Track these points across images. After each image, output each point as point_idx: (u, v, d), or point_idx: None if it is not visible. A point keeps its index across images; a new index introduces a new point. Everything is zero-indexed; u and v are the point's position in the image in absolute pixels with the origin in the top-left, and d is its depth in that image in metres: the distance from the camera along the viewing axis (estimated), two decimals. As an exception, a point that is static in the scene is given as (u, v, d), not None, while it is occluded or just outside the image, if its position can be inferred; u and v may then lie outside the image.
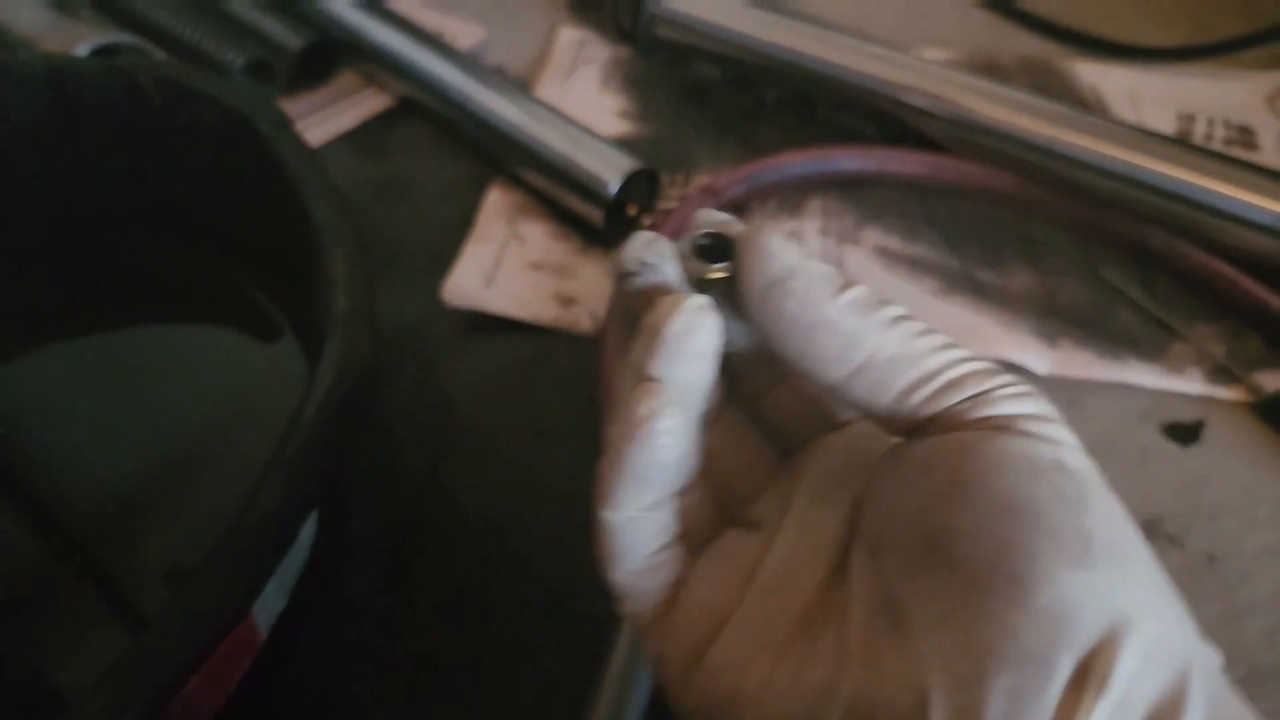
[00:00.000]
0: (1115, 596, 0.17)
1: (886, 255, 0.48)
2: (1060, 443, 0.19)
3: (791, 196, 0.51)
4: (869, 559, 0.21)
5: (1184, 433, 0.41)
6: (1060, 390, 0.42)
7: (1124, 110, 0.59)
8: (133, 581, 0.34)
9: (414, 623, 0.33)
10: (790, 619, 0.21)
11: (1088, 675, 0.17)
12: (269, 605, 0.29)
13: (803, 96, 0.56)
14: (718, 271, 0.22)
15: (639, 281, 0.22)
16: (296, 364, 0.39)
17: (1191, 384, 0.42)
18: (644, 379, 0.21)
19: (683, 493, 0.23)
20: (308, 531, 0.32)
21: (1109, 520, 0.18)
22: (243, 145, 0.37)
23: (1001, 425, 0.19)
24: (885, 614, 0.19)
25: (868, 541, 0.21)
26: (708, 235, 0.22)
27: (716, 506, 0.25)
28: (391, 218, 0.50)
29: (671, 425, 0.20)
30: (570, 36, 0.64)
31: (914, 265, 0.47)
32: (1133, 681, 0.17)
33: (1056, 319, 0.45)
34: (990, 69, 0.62)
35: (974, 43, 0.66)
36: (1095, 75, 0.62)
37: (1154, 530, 0.37)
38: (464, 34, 0.62)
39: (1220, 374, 0.43)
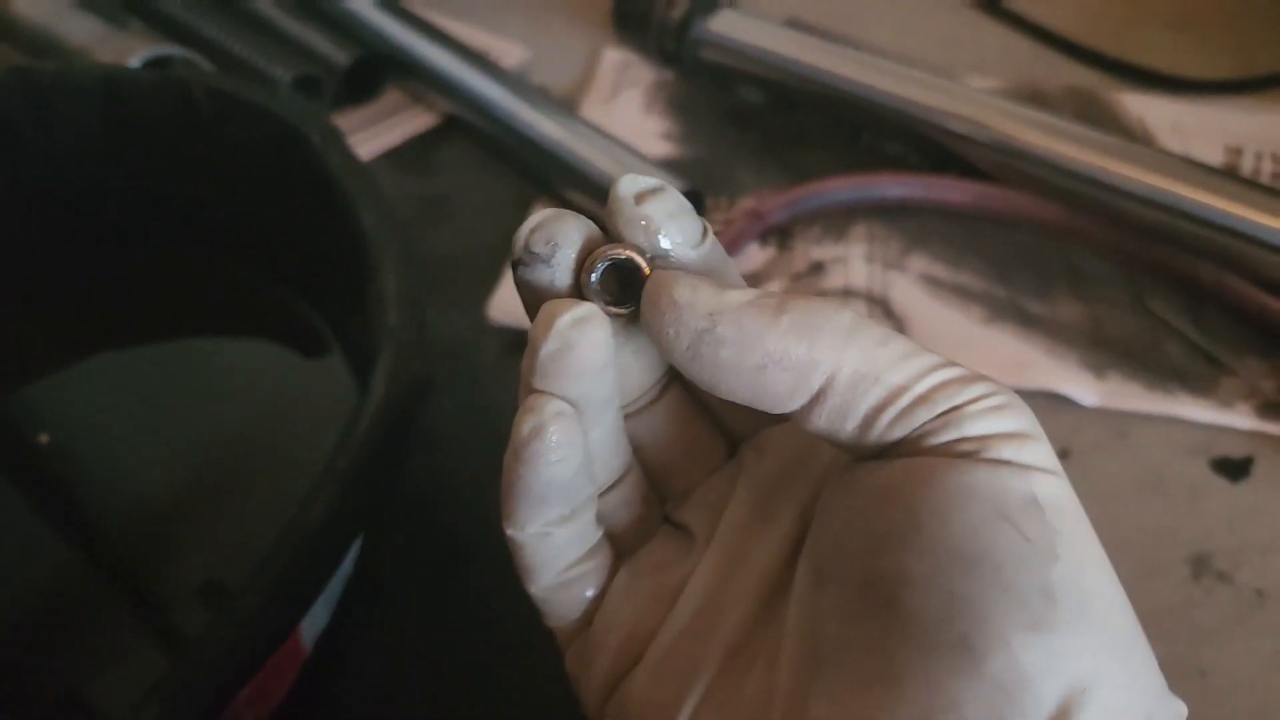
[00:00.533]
0: (1075, 662, 0.15)
1: (932, 283, 0.47)
2: (1038, 469, 0.17)
3: (836, 221, 0.51)
4: (812, 588, 0.18)
5: (1233, 468, 0.40)
6: (1108, 422, 0.42)
7: (1170, 142, 0.58)
8: (166, 596, 0.34)
9: (455, 640, 0.33)
10: (716, 655, 0.19)
11: None
12: (315, 620, 0.28)
13: (847, 121, 0.56)
14: (621, 311, 0.19)
15: (523, 275, 0.20)
16: (343, 380, 0.39)
17: (1241, 419, 0.42)
18: (529, 391, 0.19)
19: (606, 492, 0.22)
20: (352, 547, 0.32)
21: (1079, 570, 0.16)
22: (293, 157, 0.37)
23: (971, 450, 0.17)
24: (820, 658, 0.17)
25: (813, 567, 0.19)
26: (614, 263, 0.19)
27: (649, 501, 0.23)
28: (436, 235, 0.50)
29: (560, 440, 0.18)
30: (614, 58, 0.64)
31: (960, 293, 0.47)
32: None
33: (1104, 350, 0.44)
34: (1035, 98, 0.62)
35: (1018, 72, 0.66)
36: (1141, 106, 0.61)
37: (1203, 566, 0.36)
38: (509, 54, 0.62)
39: (1270, 410, 0.42)
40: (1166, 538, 0.37)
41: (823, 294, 0.47)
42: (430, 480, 0.38)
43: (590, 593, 0.21)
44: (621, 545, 0.22)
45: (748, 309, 0.17)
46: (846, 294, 0.47)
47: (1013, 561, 0.16)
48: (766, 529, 0.20)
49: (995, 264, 0.49)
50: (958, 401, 0.17)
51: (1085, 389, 0.42)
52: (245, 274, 0.43)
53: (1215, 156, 0.57)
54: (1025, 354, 0.44)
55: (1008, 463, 0.17)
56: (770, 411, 0.18)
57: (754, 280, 0.47)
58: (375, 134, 0.56)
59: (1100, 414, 0.42)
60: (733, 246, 0.47)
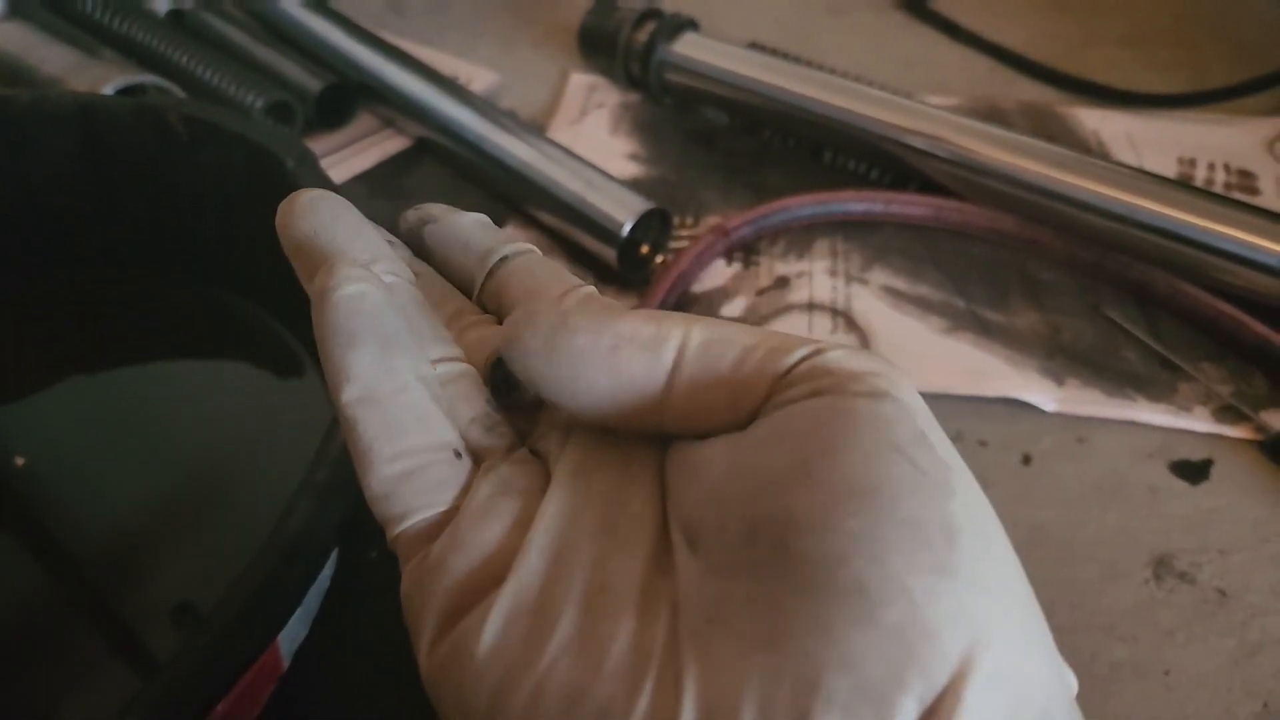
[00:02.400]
0: (977, 612, 0.14)
1: (894, 294, 0.48)
2: (917, 408, 0.16)
3: (800, 237, 0.52)
4: (684, 550, 0.17)
5: (1192, 470, 0.41)
6: (1068, 428, 0.43)
7: (1125, 154, 0.60)
8: (140, 619, 0.34)
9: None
10: (574, 598, 0.16)
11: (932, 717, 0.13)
12: (292, 634, 0.29)
13: (809, 140, 0.58)
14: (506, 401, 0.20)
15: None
16: (317, 401, 0.39)
17: (1199, 422, 0.43)
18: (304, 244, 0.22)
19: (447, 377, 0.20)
20: (328, 561, 0.32)
21: (975, 508, 0.15)
22: (268, 181, 0.37)
23: (850, 385, 0.16)
24: (696, 622, 0.15)
25: (680, 529, 0.17)
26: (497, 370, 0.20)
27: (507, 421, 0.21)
28: (408, 255, 0.50)
29: (351, 273, 0.19)
30: (581, 82, 0.65)
31: (921, 304, 0.48)
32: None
33: (1063, 357, 0.45)
34: (992, 114, 0.63)
35: (975, 90, 0.67)
36: (1096, 121, 0.63)
37: (1165, 567, 0.37)
38: (478, 78, 0.63)
39: (1227, 413, 0.43)
40: (1128, 540, 0.38)
41: (787, 307, 0.48)
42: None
43: (445, 496, 0.19)
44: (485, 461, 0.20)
45: (594, 300, 0.19)
46: (811, 307, 0.48)
47: (909, 493, 0.14)
48: (600, 472, 0.19)
49: (954, 276, 0.50)
50: (819, 347, 0.17)
51: (1045, 395, 0.43)
52: (220, 296, 0.43)
53: (1169, 168, 0.59)
54: (985, 362, 0.45)
55: (889, 395, 0.16)
56: (633, 403, 0.18)
57: (720, 296, 0.48)
58: (347, 158, 0.56)
59: (1060, 419, 0.43)
60: (698, 263, 0.48)
